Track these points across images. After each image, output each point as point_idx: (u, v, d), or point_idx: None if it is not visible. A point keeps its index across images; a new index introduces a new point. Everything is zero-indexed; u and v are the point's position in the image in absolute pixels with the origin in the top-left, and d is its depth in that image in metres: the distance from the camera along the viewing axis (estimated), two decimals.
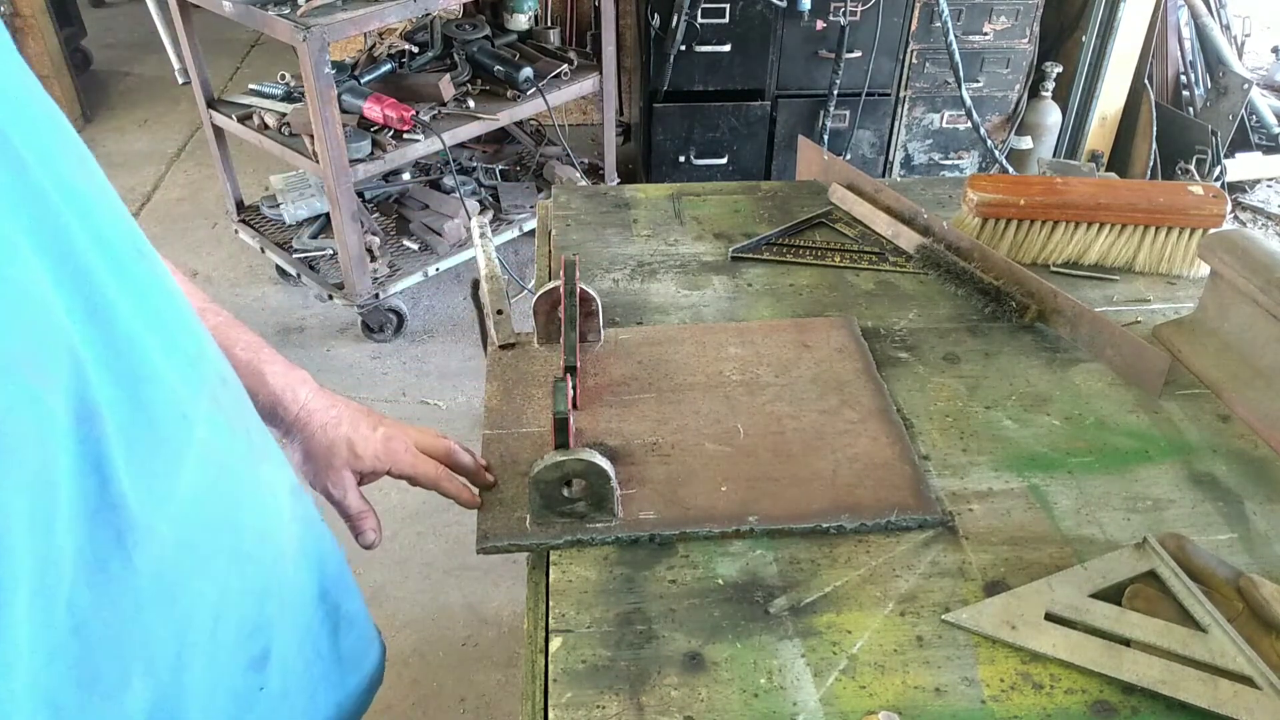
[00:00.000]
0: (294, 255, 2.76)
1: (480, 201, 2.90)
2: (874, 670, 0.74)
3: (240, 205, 2.88)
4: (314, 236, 2.81)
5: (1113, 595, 0.78)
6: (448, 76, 2.59)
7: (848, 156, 3.08)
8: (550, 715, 0.71)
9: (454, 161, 2.85)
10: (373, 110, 2.43)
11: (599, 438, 0.94)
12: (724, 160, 3.07)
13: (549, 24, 3.19)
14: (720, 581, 0.81)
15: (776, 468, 0.91)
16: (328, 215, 2.75)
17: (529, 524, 0.85)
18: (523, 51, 2.82)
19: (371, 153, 2.42)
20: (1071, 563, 0.82)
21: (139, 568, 0.53)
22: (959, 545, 0.85)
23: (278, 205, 2.84)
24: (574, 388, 0.94)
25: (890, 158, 3.18)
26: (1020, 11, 2.90)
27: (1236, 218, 3.30)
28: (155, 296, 0.56)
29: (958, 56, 2.86)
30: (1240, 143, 3.24)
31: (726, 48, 2.86)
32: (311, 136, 2.35)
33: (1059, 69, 3.04)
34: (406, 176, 2.95)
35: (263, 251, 2.82)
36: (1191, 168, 3.05)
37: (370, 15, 2.25)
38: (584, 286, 1.03)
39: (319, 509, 0.77)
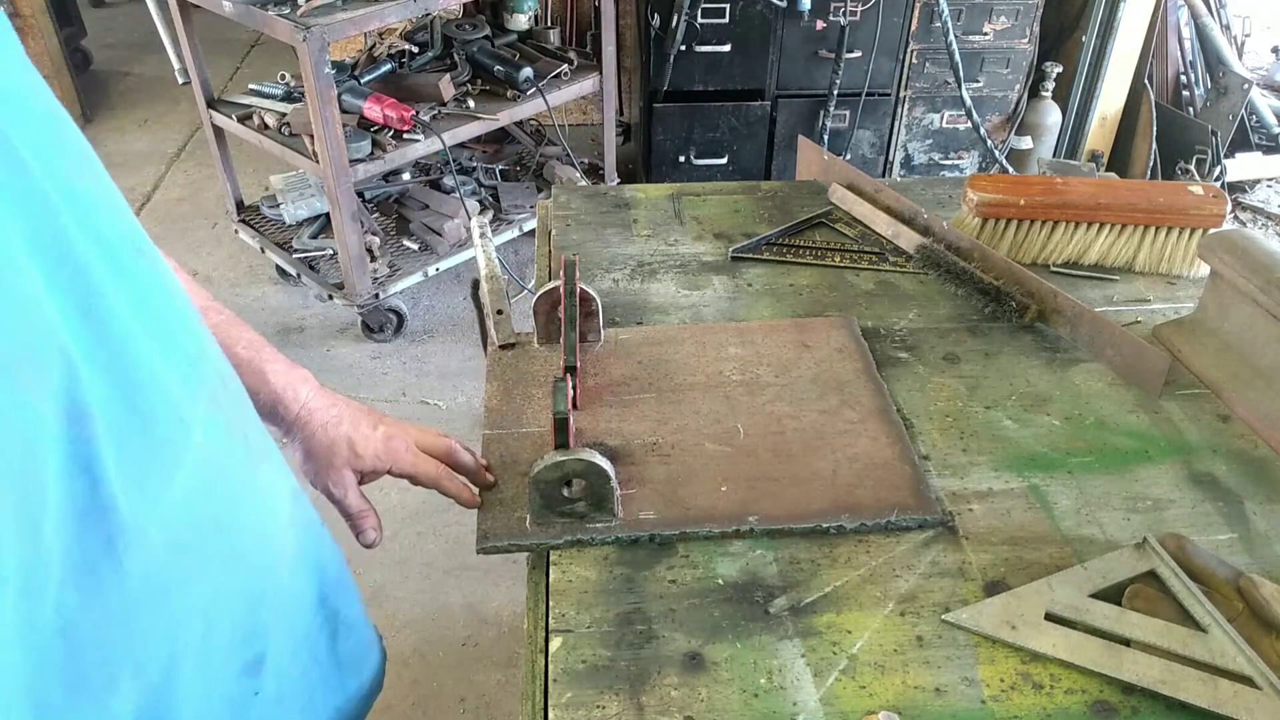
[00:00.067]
0: (294, 255, 2.76)
1: (480, 201, 2.90)
2: (874, 670, 0.74)
3: (240, 205, 2.88)
4: (314, 236, 2.81)
5: (1113, 595, 0.78)
6: (448, 76, 2.59)
7: (848, 156, 3.08)
8: (550, 715, 0.71)
9: (454, 161, 2.85)
10: (373, 110, 2.43)
11: (599, 438, 0.94)
12: (724, 160, 3.07)
13: (549, 24, 3.19)
14: (720, 581, 0.81)
15: (776, 468, 0.91)
16: (328, 215, 2.75)
17: (529, 524, 0.85)
18: (523, 51, 2.82)
19: (371, 153, 2.42)
20: (1071, 563, 0.82)
21: (129, 570, 0.52)
22: (959, 545, 0.85)
23: (278, 205, 2.84)
24: (574, 388, 0.94)
25: (890, 158, 3.18)
26: (1020, 11, 2.90)
27: (1236, 218, 3.30)
28: (155, 297, 0.56)
29: (958, 56, 2.86)
30: (1240, 143, 3.24)
31: (726, 48, 2.86)
32: (311, 136, 2.35)
33: (1059, 69, 3.04)
34: (406, 176, 2.95)
35: (263, 251, 2.82)
36: (1191, 168, 3.05)
37: (370, 15, 2.25)
38: (584, 286, 1.03)
39: (319, 511, 0.77)
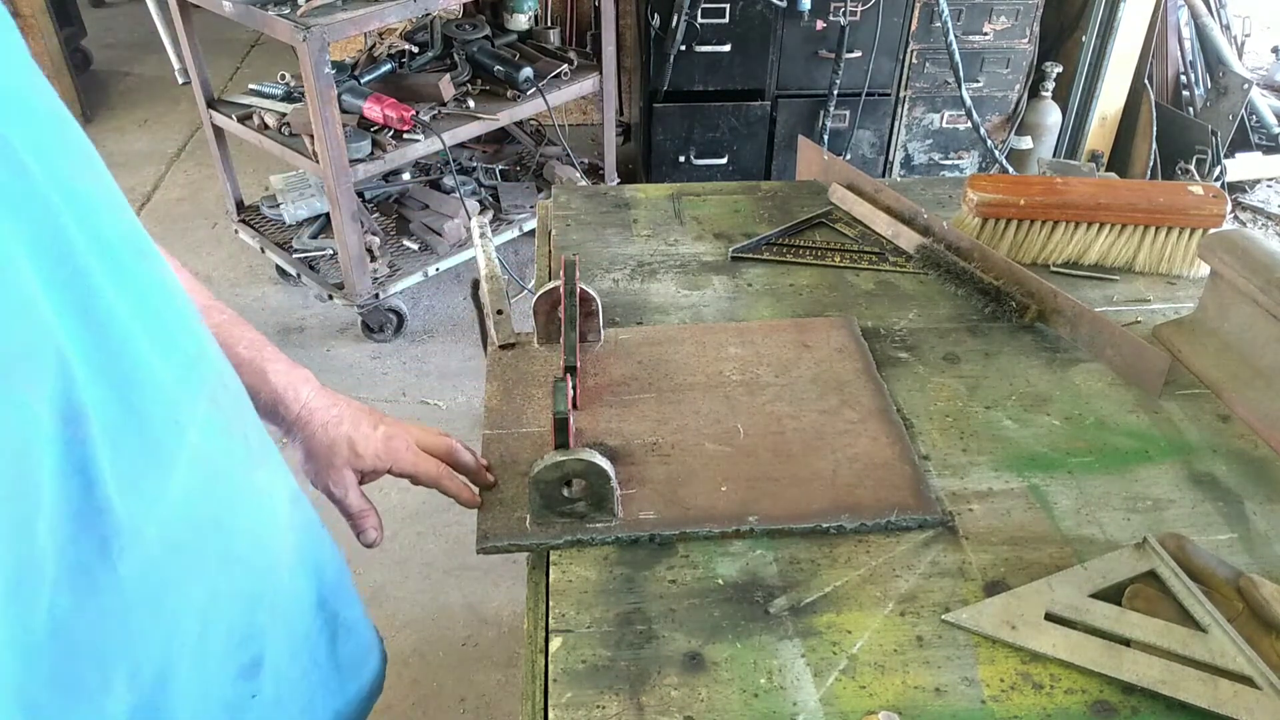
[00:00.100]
0: (294, 255, 2.76)
1: (480, 201, 2.90)
2: (874, 670, 0.74)
3: (240, 205, 2.88)
4: (314, 236, 2.81)
5: (1113, 595, 0.78)
6: (448, 76, 2.59)
7: (848, 156, 3.08)
8: (550, 715, 0.71)
9: (454, 161, 2.85)
10: (373, 110, 2.43)
11: (599, 438, 0.94)
12: (724, 160, 3.07)
13: (549, 24, 3.19)
14: (720, 581, 0.81)
15: (776, 468, 0.91)
16: (328, 215, 2.75)
17: (529, 524, 0.85)
18: (523, 51, 2.82)
19: (371, 153, 2.42)
20: (1071, 563, 0.82)
21: (124, 572, 0.52)
22: (959, 545, 0.85)
23: (278, 205, 2.84)
24: (574, 388, 0.94)
25: (890, 158, 3.18)
26: (1020, 11, 2.90)
27: (1236, 218, 3.30)
28: (155, 298, 0.56)
29: (958, 56, 2.86)
30: (1240, 143, 3.24)
31: (726, 48, 2.86)
32: (311, 136, 2.35)
33: (1059, 69, 3.04)
34: (406, 176, 2.95)
35: (263, 251, 2.82)
36: (1191, 168, 3.05)
37: (370, 15, 2.25)
38: (584, 286, 1.03)
39: (319, 512, 0.77)
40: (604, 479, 0.83)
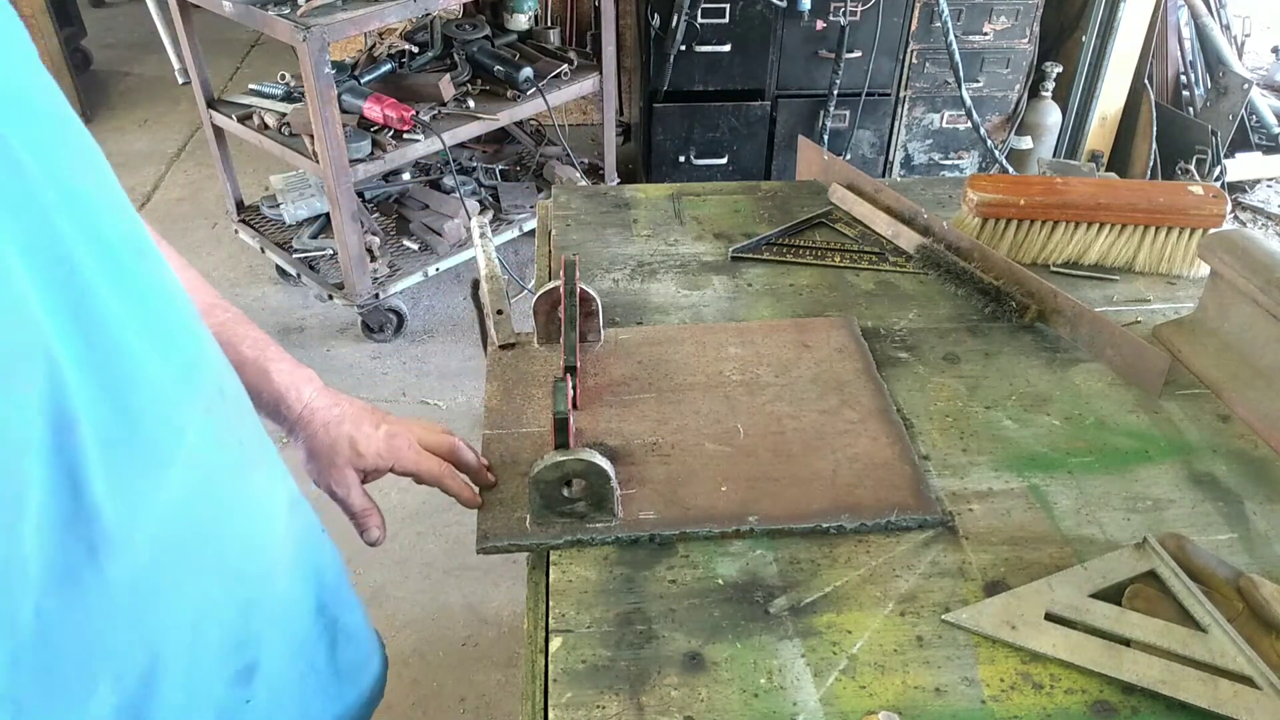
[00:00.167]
0: (294, 255, 2.76)
1: (480, 201, 2.90)
2: (874, 670, 0.74)
3: (240, 205, 2.88)
4: (314, 236, 2.81)
5: (1113, 595, 0.78)
6: (448, 76, 2.59)
7: (848, 156, 3.08)
8: (550, 715, 0.71)
9: (454, 161, 2.85)
10: (373, 110, 2.43)
11: (599, 438, 0.94)
12: (724, 160, 3.07)
13: (549, 24, 3.19)
14: (720, 581, 0.81)
15: (776, 468, 0.91)
16: (328, 215, 2.75)
17: (529, 524, 0.85)
18: (523, 51, 2.82)
19: (371, 153, 2.42)
20: (1071, 563, 0.82)
21: (112, 577, 0.52)
22: (959, 545, 0.85)
23: (278, 205, 2.84)
24: (574, 388, 0.94)
25: (890, 158, 3.18)
26: (1020, 11, 2.90)
27: (1236, 218, 3.30)
28: (154, 299, 0.56)
29: (958, 56, 2.86)
30: (1240, 143, 3.24)
31: (726, 48, 2.86)
32: (311, 136, 2.35)
33: (1059, 69, 3.04)
34: (406, 176, 2.95)
35: (263, 251, 2.82)
36: (1191, 168, 3.05)
37: (370, 15, 2.25)
38: (584, 286, 1.03)
39: (321, 515, 0.77)
40: (604, 479, 0.83)
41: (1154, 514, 0.88)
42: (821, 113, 2.98)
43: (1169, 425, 0.98)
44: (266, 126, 2.56)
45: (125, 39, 4.61)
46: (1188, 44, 3.20)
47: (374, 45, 2.77)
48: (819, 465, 0.91)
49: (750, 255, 1.24)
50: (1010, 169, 3.08)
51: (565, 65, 2.73)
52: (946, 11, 2.80)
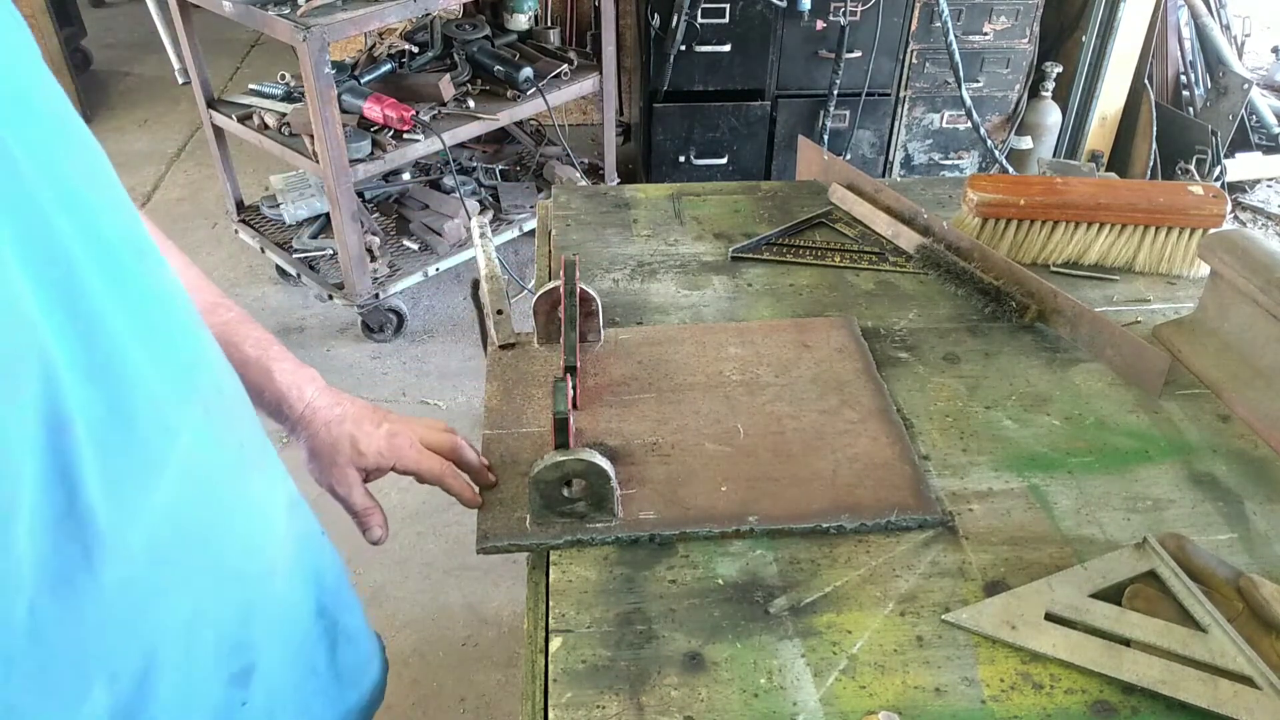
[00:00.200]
0: (294, 255, 2.76)
1: (480, 201, 2.90)
2: (874, 670, 0.74)
3: (240, 205, 2.88)
4: (314, 236, 2.81)
5: (1113, 595, 0.78)
6: (448, 76, 2.59)
7: (848, 156, 3.08)
8: (550, 715, 0.71)
9: (454, 161, 2.85)
10: (373, 110, 2.43)
11: (599, 438, 0.94)
12: (724, 160, 3.07)
13: (549, 24, 3.19)
14: (720, 581, 0.81)
15: (776, 468, 0.91)
16: (328, 215, 2.75)
17: (529, 524, 0.85)
18: (523, 51, 2.82)
19: (371, 153, 2.42)
20: (1071, 563, 0.82)
21: (106, 580, 0.52)
22: (959, 545, 0.85)
23: (278, 205, 2.84)
24: (574, 388, 0.94)
25: (890, 158, 3.18)
26: (1020, 11, 2.90)
27: (1236, 218, 3.30)
28: (152, 300, 0.55)
29: (958, 56, 2.86)
30: (1240, 143, 3.24)
31: (726, 48, 2.86)
32: (311, 136, 2.35)
33: (1059, 69, 3.04)
34: (406, 176, 2.95)
35: (263, 251, 2.82)
36: (1191, 168, 3.05)
37: (370, 15, 2.25)
38: (584, 286, 1.03)
39: (322, 516, 0.77)
40: (604, 479, 0.83)
41: (1154, 514, 0.88)
42: (821, 113, 2.98)
43: (1169, 425, 0.98)
44: (266, 126, 2.56)
45: (125, 39, 4.61)
46: (1188, 44, 3.20)
47: (374, 45, 2.77)
48: (819, 465, 0.91)
49: (750, 255, 1.24)
50: (1010, 169, 3.08)
51: (565, 65, 2.73)
52: (946, 11, 2.80)
